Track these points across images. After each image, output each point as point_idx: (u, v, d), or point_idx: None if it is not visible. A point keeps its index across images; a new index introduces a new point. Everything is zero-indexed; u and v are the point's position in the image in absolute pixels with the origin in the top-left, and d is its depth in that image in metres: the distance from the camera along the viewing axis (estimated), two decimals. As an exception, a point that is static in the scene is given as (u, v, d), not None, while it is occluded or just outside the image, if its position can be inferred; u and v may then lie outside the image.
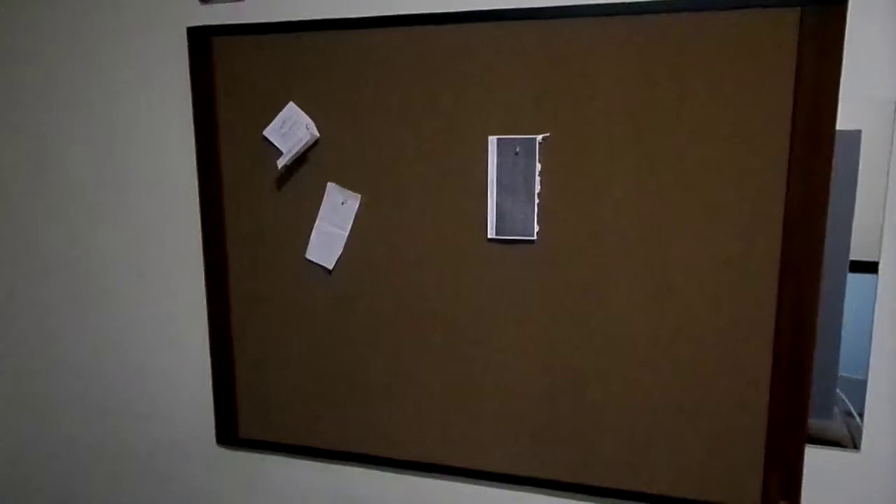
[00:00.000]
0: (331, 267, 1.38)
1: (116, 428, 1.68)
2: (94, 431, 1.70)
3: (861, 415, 1.17)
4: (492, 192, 1.26)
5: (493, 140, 1.24)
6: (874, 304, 1.13)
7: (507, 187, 1.25)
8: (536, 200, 1.24)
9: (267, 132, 1.37)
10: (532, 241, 1.25)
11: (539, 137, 1.22)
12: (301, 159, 1.36)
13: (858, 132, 1.09)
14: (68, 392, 1.70)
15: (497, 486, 1.39)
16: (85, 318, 1.64)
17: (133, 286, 1.58)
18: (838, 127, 1.09)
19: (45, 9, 1.51)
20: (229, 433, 1.55)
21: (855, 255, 1.12)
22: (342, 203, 1.35)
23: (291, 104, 1.35)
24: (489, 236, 1.27)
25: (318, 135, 1.34)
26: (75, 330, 1.65)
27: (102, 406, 1.68)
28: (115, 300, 1.60)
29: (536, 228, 1.25)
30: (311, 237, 1.38)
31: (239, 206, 1.43)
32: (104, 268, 1.59)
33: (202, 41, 1.38)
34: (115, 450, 1.69)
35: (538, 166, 1.23)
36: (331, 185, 1.36)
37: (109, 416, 1.68)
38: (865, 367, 1.15)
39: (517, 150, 1.23)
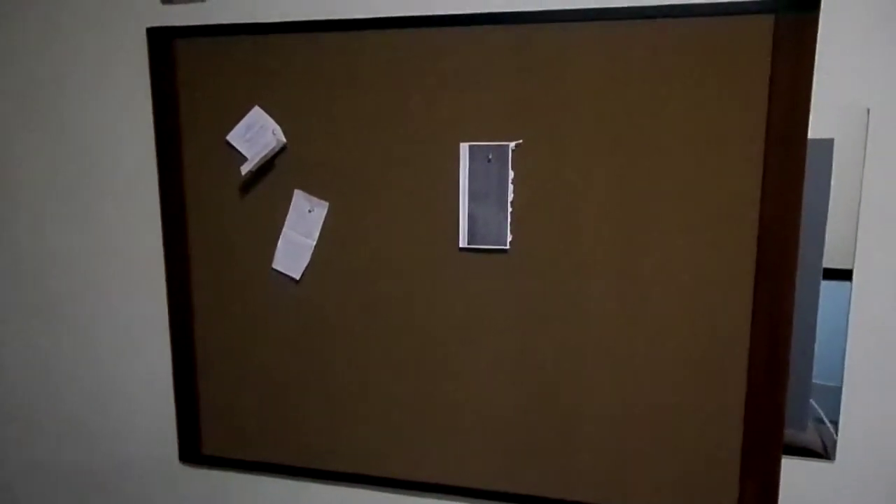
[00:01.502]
0: (298, 277, 1.34)
1: (74, 446, 1.62)
2: (51, 450, 1.64)
3: (835, 423, 1.16)
4: (464, 200, 1.23)
5: (464, 147, 1.22)
6: (848, 311, 1.13)
7: (479, 195, 1.22)
8: (509, 209, 1.22)
9: (230, 137, 1.33)
10: (505, 251, 1.23)
11: (512, 144, 1.20)
12: (267, 166, 1.32)
13: (831, 140, 1.09)
14: (20, 409, 1.64)
15: (471, 502, 1.37)
16: (40, 332, 1.58)
17: (90, 298, 1.52)
18: (811, 135, 1.09)
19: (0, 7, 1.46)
20: (192, 450, 1.50)
21: (829, 263, 1.13)
22: (309, 211, 1.31)
23: (257, 108, 1.31)
24: (461, 245, 1.25)
25: (284, 140, 1.30)
26: (29, 344, 1.59)
27: (57, 423, 1.62)
28: (71, 312, 1.55)
29: (509, 237, 1.22)
30: (278, 246, 1.35)
31: (202, 213, 1.39)
32: (60, 279, 1.54)
33: (163, 43, 1.34)
34: (73, 469, 1.64)
35: (511, 174, 1.21)
36: (298, 193, 1.32)
37: (64, 433, 1.62)
38: (840, 374, 1.15)
39: (490, 157, 1.21)
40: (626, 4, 1.13)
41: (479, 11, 1.19)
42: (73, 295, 1.53)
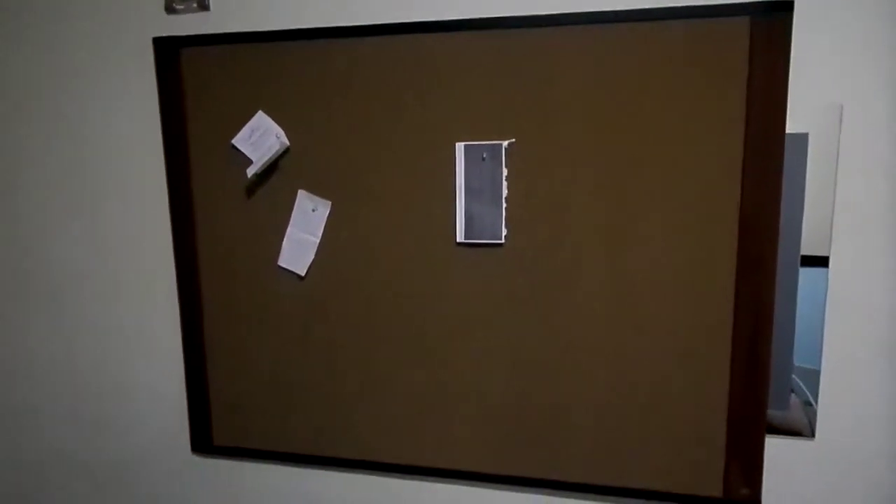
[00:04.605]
0: (303, 273, 1.39)
1: (89, 438, 1.66)
2: (67, 441, 1.68)
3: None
4: (460, 197, 1.28)
5: (460, 146, 1.27)
6: (825, 296, 1.18)
7: (475, 192, 1.27)
8: (504, 204, 1.26)
9: (236, 141, 1.38)
10: (500, 245, 1.28)
11: (505, 143, 1.25)
12: (272, 167, 1.37)
13: (806, 135, 1.14)
14: (40, 403, 1.68)
15: (470, 485, 1.41)
16: (57, 329, 1.62)
17: (104, 296, 1.56)
18: (787, 130, 1.14)
19: (10, 20, 1.49)
20: (204, 441, 1.54)
21: (806, 251, 1.17)
22: (313, 210, 1.36)
23: (261, 113, 1.35)
24: (458, 240, 1.30)
25: (288, 143, 1.35)
26: (46, 340, 1.64)
27: (75, 416, 1.66)
28: (86, 310, 1.59)
29: (504, 232, 1.27)
30: (283, 244, 1.39)
31: (210, 214, 1.43)
32: (75, 279, 1.58)
33: (169, 51, 1.38)
34: (88, 460, 1.68)
35: (505, 171, 1.25)
36: (301, 193, 1.37)
37: (82, 426, 1.66)
38: (819, 357, 1.20)
39: (484, 155, 1.26)
40: (609, 8, 1.17)
41: (469, 17, 1.23)
42: (87, 294, 1.57)
